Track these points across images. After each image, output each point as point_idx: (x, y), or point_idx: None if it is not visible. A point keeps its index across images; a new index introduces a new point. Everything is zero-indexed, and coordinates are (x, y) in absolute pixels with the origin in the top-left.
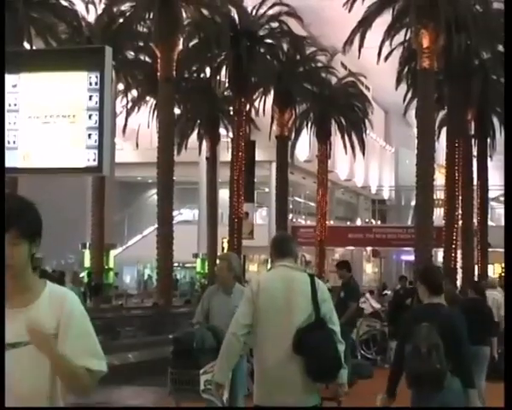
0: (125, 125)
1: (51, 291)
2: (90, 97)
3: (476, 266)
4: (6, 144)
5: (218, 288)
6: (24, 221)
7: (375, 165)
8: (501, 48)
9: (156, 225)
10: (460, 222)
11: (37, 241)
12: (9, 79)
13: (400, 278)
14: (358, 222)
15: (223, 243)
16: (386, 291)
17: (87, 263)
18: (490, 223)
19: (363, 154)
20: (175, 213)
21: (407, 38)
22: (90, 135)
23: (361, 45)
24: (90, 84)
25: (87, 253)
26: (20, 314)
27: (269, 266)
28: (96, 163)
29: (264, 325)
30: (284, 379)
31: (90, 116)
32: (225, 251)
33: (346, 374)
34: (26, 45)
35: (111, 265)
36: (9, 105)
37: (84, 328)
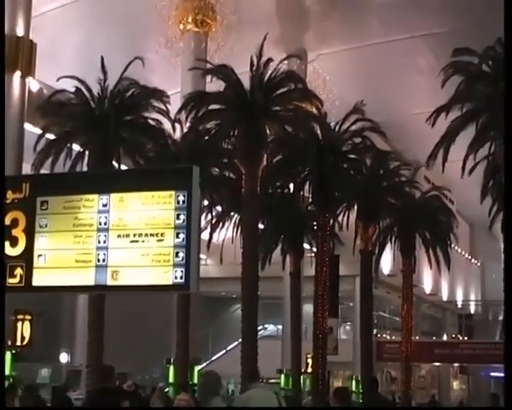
0: (210, 240)
1: None
2: (178, 216)
3: None
4: (96, 262)
5: None
6: None
7: (460, 279)
8: None
9: (240, 340)
10: None
11: None
12: (100, 198)
13: (493, 395)
14: (445, 337)
15: (307, 358)
16: None
17: (171, 378)
18: None
19: (449, 268)
20: (259, 327)
21: (491, 151)
22: (177, 253)
23: (445, 160)
24: (178, 202)
25: (171, 368)
26: None
27: (353, 381)
28: (183, 281)
29: None
30: None
31: (177, 234)
32: (309, 367)
33: None
34: (115, 164)
35: (195, 380)
36: (100, 224)
37: None
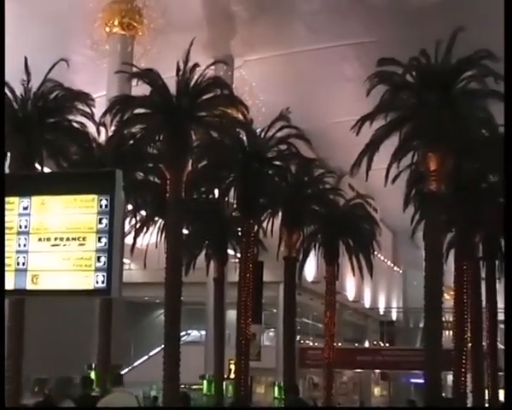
0: (134, 245)
1: None
2: (100, 220)
3: (487, 391)
4: (15, 266)
5: None
6: None
7: (383, 286)
8: None
9: (163, 346)
10: (469, 345)
11: None
12: (21, 201)
13: (409, 402)
14: (367, 344)
15: (230, 364)
16: None
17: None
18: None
19: (371, 275)
20: (182, 333)
21: (414, 160)
22: (99, 258)
23: (368, 168)
24: (101, 206)
25: (92, 374)
26: None
27: (276, 388)
28: (104, 285)
29: None
30: None
31: (99, 239)
32: (232, 373)
33: None
34: (38, 167)
35: None
36: (20, 227)
37: None
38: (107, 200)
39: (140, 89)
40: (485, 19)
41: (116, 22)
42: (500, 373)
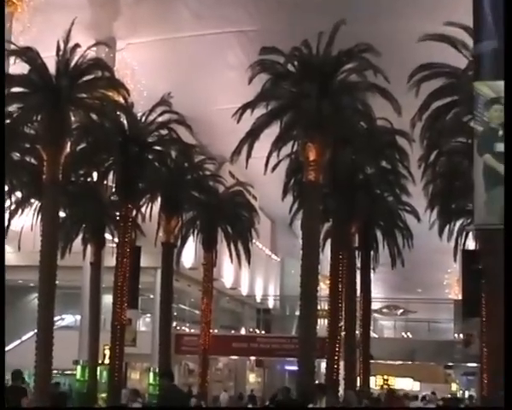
0: (8, 227)
1: None
2: None
3: (358, 378)
4: None
5: None
6: None
7: (260, 274)
8: (384, 164)
9: (36, 331)
10: (343, 333)
11: None
12: None
13: (284, 389)
14: (243, 331)
15: (104, 349)
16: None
17: None
18: (372, 335)
19: (249, 263)
20: (56, 318)
21: (294, 150)
22: None
23: (248, 156)
24: None
25: None
26: None
27: (151, 373)
28: None
29: None
30: None
31: None
32: (106, 358)
33: None
34: None
35: None
36: None
37: None
38: None
39: (18, 67)
40: (370, 13)
41: None
42: (372, 361)
